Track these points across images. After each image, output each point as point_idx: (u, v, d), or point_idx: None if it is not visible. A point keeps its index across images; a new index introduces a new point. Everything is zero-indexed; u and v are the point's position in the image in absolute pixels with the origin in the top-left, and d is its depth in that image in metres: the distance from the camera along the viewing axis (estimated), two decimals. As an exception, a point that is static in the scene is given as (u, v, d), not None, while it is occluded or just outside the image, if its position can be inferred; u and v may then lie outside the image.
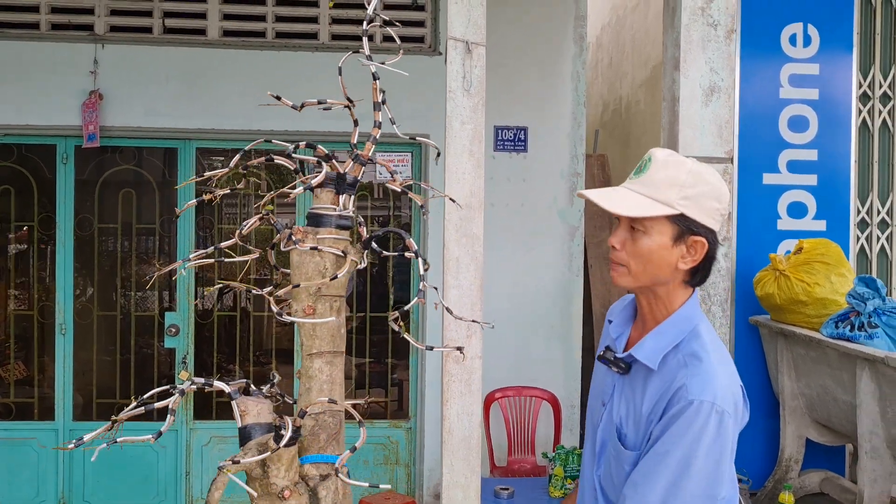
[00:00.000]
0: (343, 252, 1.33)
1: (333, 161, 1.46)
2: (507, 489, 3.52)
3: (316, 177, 1.35)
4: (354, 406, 1.35)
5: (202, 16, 4.91)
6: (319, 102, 1.45)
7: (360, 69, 1.43)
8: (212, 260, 1.44)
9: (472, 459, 2.73)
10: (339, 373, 1.47)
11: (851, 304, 3.86)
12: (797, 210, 4.76)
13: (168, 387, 1.28)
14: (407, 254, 1.41)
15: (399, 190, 1.41)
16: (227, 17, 4.94)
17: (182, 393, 1.18)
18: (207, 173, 1.49)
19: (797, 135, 4.76)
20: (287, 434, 1.14)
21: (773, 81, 4.75)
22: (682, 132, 2.94)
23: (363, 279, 5.27)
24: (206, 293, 5.10)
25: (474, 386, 2.70)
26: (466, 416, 2.72)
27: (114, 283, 5.07)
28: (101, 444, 1.17)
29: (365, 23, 1.44)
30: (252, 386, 1.41)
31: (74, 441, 1.16)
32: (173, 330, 4.94)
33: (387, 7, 5.02)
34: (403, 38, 5.00)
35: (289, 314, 1.38)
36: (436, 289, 1.38)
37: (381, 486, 1.25)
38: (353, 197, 1.46)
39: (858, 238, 4.99)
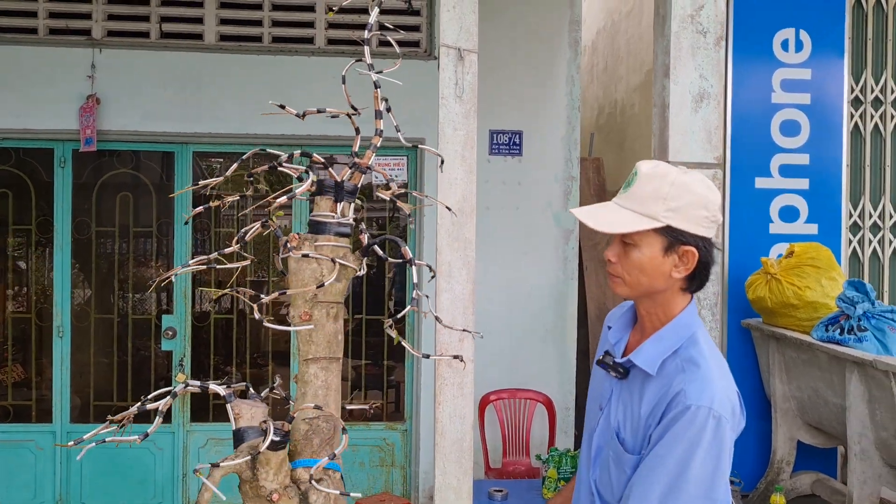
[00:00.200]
0: (334, 260, 1.36)
1: (330, 169, 1.48)
2: (500, 491, 3.55)
3: (300, 186, 1.37)
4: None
5: (199, 21, 4.95)
6: (320, 111, 1.47)
7: (358, 73, 1.45)
8: (205, 266, 1.46)
9: (464, 462, 2.77)
10: (334, 378, 1.47)
11: (841, 308, 3.90)
12: (789, 214, 4.80)
13: (165, 389, 1.30)
14: (414, 263, 1.42)
15: (388, 199, 1.44)
16: (223, 21, 4.97)
17: (174, 396, 1.21)
18: (202, 182, 1.51)
19: (789, 139, 4.81)
20: (268, 438, 1.17)
21: (765, 86, 4.79)
22: (672, 138, 2.98)
23: (359, 282, 5.30)
24: (206, 293, 5.12)
25: (466, 389, 2.74)
26: (459, 419, 2.75)
27: (111, 286, 5.10)
28: (90, 443, 1.20)
29: (366, 31, 1.45)
30: (251, 389, 1.44)
31: (74, 441, 1.19)
32: (170, 333, 4.97)
33: (383, 12, 5.04)
34: (399, 43, 4.98)
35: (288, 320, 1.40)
36: (427, 297, 1.41)
37: (351, 494, 1.28)
38: (352, 204, 1.48)
39: (850, 241, 5.04)
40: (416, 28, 5.09)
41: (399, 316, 1.44)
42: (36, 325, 5.05)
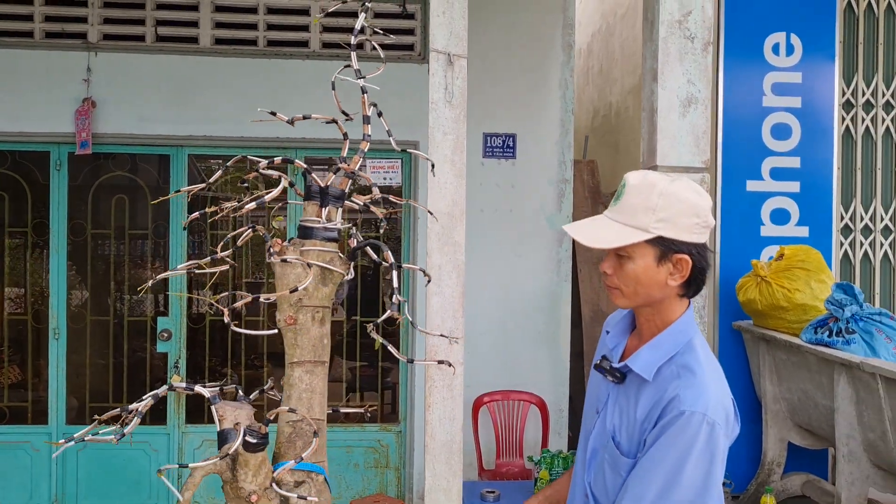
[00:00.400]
0: (310, 264, 1.38)
1: (313, 174, 1.50)
2: (493, 492, 3.58)
3: (270, 192, 1.39)
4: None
5: (194, 24, 4.97)
6: (305, 117, 1.50)
7: (353, 76, 1.47)
8: (183, 271, 1.48)
9: (453, 463, 2.79)
10: (319, 382, 1.48)
11: (830, 311, 3.93)
12: (780, 217, 4.83)
13: (152, 394, 1.32)
14: (396, 268, 1.44)
15: (360, 204, 1.46)
16: (218, 25, 5.00)
17: (156, 397, 1.23)
18: (182, 189, 1.53)
19: (780, 142, 4.84)
20: (238, 440, 1.20)
21: (756, 90, 4.82)
22: (660, 142, 3.01)
23: (355, 284, 5.32)
24: (205, 293, 5.15)
25: (456, 391, 2.76)
26: (448, 421, 2.78)
27: (107, 288, 5.12)
28: (70, 443, 1.22)
29: (353, 37, 1.47)
30: (240, 391, 1.46)
31: (65, 439, 1.21)
32: (165, 335, 4.99)
33: (377, 16, 5.08)
34: (393, 47, 5.06)
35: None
36: (405, 301, 1.44)
37: (308, 497, 1.30)
38: (339, 209, 1.50)
39: (842, 244, 5.07)
40: (410, 32, 5.12)
41: (380, 321, 1.46)
42: (32, 326, 5.07)
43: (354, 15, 5.13)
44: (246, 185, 1.55)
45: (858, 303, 3.82)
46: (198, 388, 1.33)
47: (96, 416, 1.27)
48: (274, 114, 1.46)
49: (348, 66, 1.44)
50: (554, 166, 5.20)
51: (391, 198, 1.54)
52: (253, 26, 5.02)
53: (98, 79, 4.85)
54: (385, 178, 5.12)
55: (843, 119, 5.06)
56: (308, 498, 1.27)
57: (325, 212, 1.47)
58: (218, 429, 1.35)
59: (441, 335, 1.73)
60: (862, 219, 5.11)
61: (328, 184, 1.48)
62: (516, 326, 5.14)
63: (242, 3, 5.00)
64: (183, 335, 5.03)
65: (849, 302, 3.82)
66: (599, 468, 1.65)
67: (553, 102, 5.21)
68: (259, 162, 1.43)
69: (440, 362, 1.62)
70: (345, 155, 1.49)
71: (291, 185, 1.50)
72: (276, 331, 1.42)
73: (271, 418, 1.33)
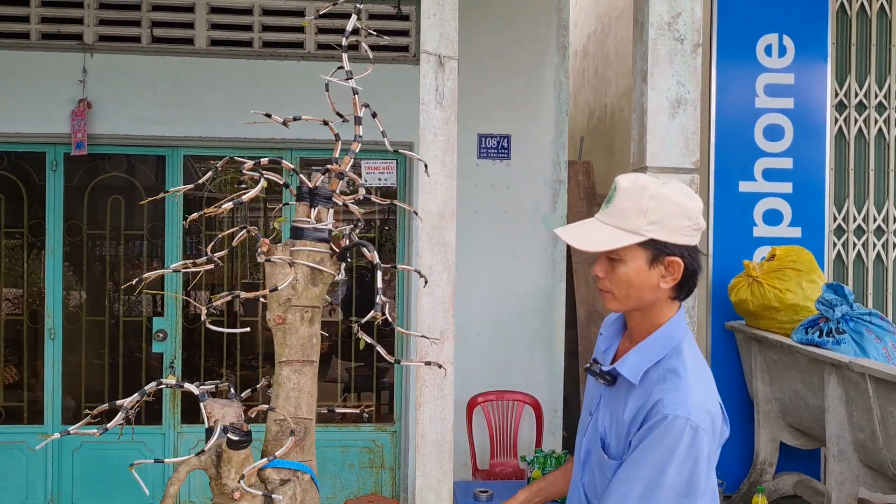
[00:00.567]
0: (292, 263, 1.39)
1: (302, 175, 1.52)
2: (486, 492, 3.59)
3: (248, 192, 1.41)
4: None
5: (190, 25, 4.99)
6: (296, 118, 1.52)
7: (347, 79, 1.49)
8: (172, 270, 1.50)
9: (444, 463, 2.81)
10: (308, 381, 1.49)
11: (820, 311, 3.95)
12: (773, 217, 4.85)
13: (141, 391, 1.33)
14: (381, 268, 1.45)
15: (340, 203, 1.47)
16: (214, 26, 5.02)
17: (143, 394, 1.25)
18: (171, 190, 1.55)
19: (773, 143, 4.86)
20: (214, 437, 1.22)
21: (748, 91, 4.84)
22: (650, 143, 3.03)
23: (351, 284, 5.35)
24: (204, 294, 5.17)
25: (447, 391, 2.78)
26: (439, 421, 2.80)
27: (103, 289, 5.14)
28: (53, 435, 1.24)
29: (344, 39, 1.49)
30: (232, 390, 1.48)
31: (54, 434, 1.24)
32: (161, 335, 5.01)
33: (372, 17, 5.10)
34: (388, 48, 5.08)
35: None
36: (388, 302, 1.46)
37: (273, 495, 1.32)
38: (329, 210, 1.51)
39: (835, 245, 5.09)
40: (405, 33, 5.14)
41: (363, 321, 1.48)
42: (28, 327, 5.09)
43: (349, 16, 5.12)
44: (244, 185, 1.57)
45: (849, 303, 3.84)
46: (187, 386, 1.34)
47: (87, 410, 1.29)
48: (269, 115, 1.48)
49: (342, 67, 1.46)
50: (548, 167, 5.22)
51: (373, 198, 1.56)
52: (248, 28, 5.04)
53: (94, 80, 4.87)
54: (380, 179, 5.14)
55: (836, 120, 5.08)
56: (274, 497, 1.29)
57: (314, 212, 1.49)
58: (206, 426, 1.37)
59: (423, 336, 1.74)
60: (855, 219, 5.13)
61: (317, 184, 1.50)
62: (511, 326, 5.16)
63: (238, 4, 5.02)
64: (178, 336, 5.04)
65: (839, 302, 3.84)
66: (591, 470, 1.67)
67: (548, 103, 5.23)
68: (245, 163, 1.45)
69: (428, 363, 1.63)
70: (336, 156, 1.51)
71: (286, 185, 1.52)
72: (247, 329, 1.44)
73: (253, 416, 1.35)
